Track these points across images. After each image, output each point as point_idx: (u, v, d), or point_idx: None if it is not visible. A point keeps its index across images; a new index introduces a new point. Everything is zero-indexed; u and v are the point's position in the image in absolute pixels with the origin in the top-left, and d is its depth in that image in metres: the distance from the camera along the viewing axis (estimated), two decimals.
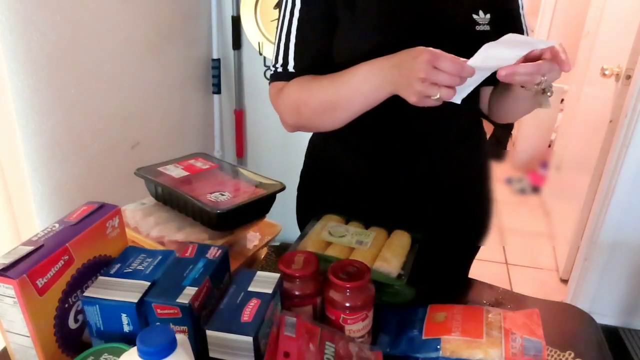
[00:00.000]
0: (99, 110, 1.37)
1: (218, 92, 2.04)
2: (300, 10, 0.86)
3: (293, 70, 0.87)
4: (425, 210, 0.96)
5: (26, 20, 1.09)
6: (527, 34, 0.94)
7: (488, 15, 0.85)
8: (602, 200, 1.91)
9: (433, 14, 0.84)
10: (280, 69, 0.89)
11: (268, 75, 0.94)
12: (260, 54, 1.91)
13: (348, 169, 0.98)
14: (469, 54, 0.80)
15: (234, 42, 1.99)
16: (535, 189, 3.23)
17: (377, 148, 0.93)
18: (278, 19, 0.89)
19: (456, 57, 0.69)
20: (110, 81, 1.41)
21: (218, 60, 2.00)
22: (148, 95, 1.62)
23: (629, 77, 1.85)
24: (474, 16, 0.84)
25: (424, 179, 0.94)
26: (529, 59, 0.70)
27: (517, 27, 0.92)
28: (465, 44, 0.83)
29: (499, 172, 3.17)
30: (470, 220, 1.04)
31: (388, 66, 0.75)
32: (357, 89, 0.79)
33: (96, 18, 1.32)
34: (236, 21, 1.95)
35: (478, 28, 0.84)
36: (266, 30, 1.89)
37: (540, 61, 0.68)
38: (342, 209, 0.95)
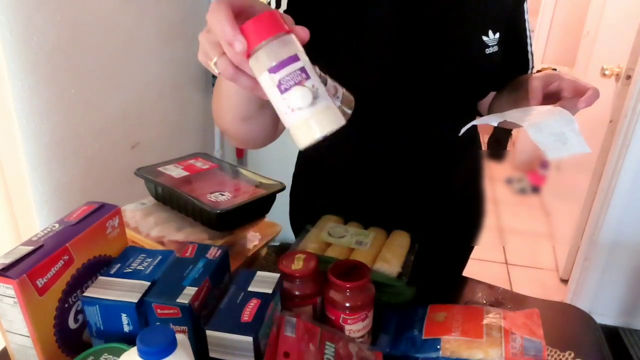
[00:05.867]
0: (99, 110, 1.37)
1: None
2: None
3: None
4: (417, 211, 0.96)
5: (26, 20, 1.09)
6: (530, 38, 0.92)
7: (497, 35, 0.83)
8: (602, 200, 1.91)
9: (443, 37, 0.81)
10: None
11: None
12: None
13: (341, 172, 0.98)
14: (478, 80, 0.79)
15: None
16: (535, 189, 3.23)
17: (370, 152, 0.93)
18: None
19: (230, 19, 0.46)
20: (110, 81, 1.41)
21: None
22: (148, 95, 1.62)
23: (629, 77, 1.85)
24: (484, 38, 0.82)
25: (416, 181, 0.94)
26: (547, 93, 0.68)
27: (521, 43, 0.90)
28: (475, 69, 0.83)
29: (499, 172, 3.17)
30: (464, 220, 1.04)
31: None
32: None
33: (96, 18, 1.32)
34: None
35: (488, 51, 0.82)
36: None
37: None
38: (336, 212, 0.95)
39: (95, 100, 1.35)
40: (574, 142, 0.61)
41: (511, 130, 3.88)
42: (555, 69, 0.77)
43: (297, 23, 0.50)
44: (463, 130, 0.68)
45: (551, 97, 0.71)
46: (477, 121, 0.68)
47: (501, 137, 3.73)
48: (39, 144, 1.18)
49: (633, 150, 1.78)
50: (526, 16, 0.90)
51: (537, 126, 0.62)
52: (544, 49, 3.42)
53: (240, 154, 2.19)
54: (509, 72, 0.89)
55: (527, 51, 0.92)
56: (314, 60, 0.49)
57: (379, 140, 0.91)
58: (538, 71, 0.79)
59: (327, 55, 0.82)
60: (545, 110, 0.66)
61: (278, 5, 0.78)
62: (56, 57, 1.19)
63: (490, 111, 0.96)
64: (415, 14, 0.80)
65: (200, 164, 0.93)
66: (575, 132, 0.62)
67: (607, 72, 1.93)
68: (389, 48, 0.80)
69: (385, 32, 0.80)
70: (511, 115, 0.66)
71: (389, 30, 0.80)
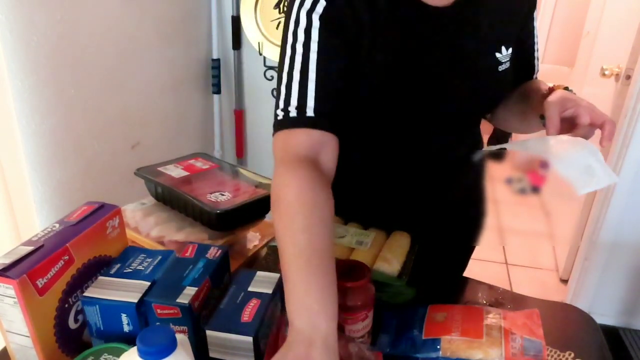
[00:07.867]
0: (99, 110, 1.37)
1: (218, 92, 2.04)
2: (319, 43, 0.71)
3: (312, 115, 0.71)
4: (418, 212, 0.96)
5: (26, 20, 1.09)
6: (537, 44, 0.92)
7: (510, 51, 0.82)
8: (602, 200, 1.91)
9: (456, 54, 0.79)
10: (294, 114, 0.71)
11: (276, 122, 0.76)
12: (260, 54, 1.91)
13: (341, 172, 0.97)
14: (488, 97, 0.78)
15: (234, 42, 1.99)
16: (535, 189, 3.23)
17: (372, 154, 0.92)
18: (282, 56, 0.75)
19: None
20: (110, 81, 1.41)
21: (218, 60, 2.00)
22: (148, 95, 1.62)
23: (628, 77, 1.84)
24: (497, 55, 0.80)
25: (417, 182, 0.94)
26: (562, 118, 0.67)
27: (528, 50, 0.90)
28: (487, 87, 0.82)
29: (499, 172, 3.16)
30: (465, 221, 1.04)
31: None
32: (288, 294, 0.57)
33: (96, 18, 1.32)
34: (236, 21, 1.95)
35: (500, 68, 0.81)
36: (266, 30, 1.89)
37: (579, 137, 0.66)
38: (336, 212, 0.95)
39: (95, 100, 1.35)
40: (601, 173, 0.62)
41: None
42: (567, 88, 0.75)
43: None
44: (477, 156, 0.68)
45: (566, 122, 0.70)
46: (493, 147, 0.67)
47: (501, 137, 3.74)
48: (39, 144, 1.18)
49: (633, 150, 1.78)
50: (535, 23, 0.89)
51: (563, 161, 0.63)
52: (544, 49, 3.43)
53: (240, 154, 2.19)
54: (516, 78, 0.89)
55: (534, 57, 0.92)
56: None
57: (384, 147, 0.91)
58: (551, 89, 0.78)
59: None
60: (566, 140, 0.65)
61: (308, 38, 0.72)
62: (56, 57, 1.19)
63: (495, 117, 0.96)
64: (429, 32, 0.78)
65: (200, 164, 0.93)
66: (601, 163, 0.63)
67: (607, 72, 1.93)
68: (402, 66, 0.79)
69: (399, 50, 0.79)
70: (532, 147, 0.65)
71: (403, 47, 0.78)
